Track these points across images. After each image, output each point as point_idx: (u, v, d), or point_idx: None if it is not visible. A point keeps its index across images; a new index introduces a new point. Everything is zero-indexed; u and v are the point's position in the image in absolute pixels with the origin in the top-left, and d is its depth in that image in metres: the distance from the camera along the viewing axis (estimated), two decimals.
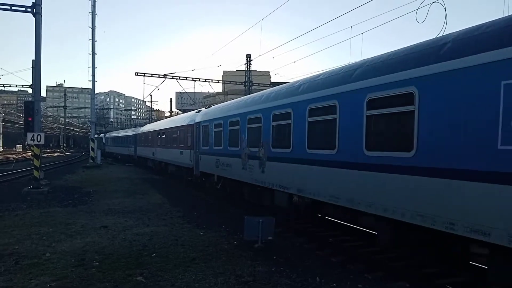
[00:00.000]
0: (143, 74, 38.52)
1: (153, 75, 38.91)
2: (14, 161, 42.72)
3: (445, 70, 6.03)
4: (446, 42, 6.25)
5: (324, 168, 8.98)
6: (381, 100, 7.22)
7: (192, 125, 20.22)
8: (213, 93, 70.87)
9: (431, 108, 6.21)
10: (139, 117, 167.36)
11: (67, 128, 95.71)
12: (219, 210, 14.45)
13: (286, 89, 11.25)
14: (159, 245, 9.22)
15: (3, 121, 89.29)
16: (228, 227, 11.23)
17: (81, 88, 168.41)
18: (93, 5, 37.85)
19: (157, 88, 69.19)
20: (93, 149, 38.73)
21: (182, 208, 14.46)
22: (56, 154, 70.84)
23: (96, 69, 38.61)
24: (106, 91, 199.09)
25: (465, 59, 5.73)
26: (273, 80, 65.84)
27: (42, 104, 26.57)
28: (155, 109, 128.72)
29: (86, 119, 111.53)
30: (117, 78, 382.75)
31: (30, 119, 18.59)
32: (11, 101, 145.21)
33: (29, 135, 18.27)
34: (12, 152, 77.70)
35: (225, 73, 77.26)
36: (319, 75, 9.97)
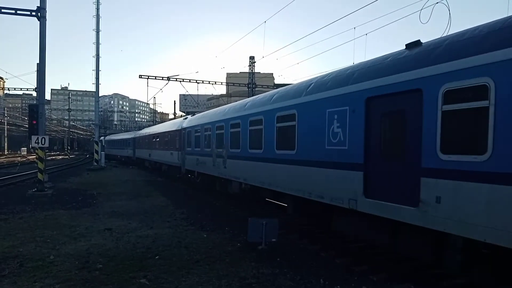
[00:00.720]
0: (147, 77, 38.63)
1: (156, 78, 39.02)
2: (19, 164, 42.90)
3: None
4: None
5: (256, 163, 12.56)
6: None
7: (179, 130, 23.55)
8: (216, 95, 70.99)
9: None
10: (143, 120, 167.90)
11: (72, 131, 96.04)
12: (223, 212, 14.44)
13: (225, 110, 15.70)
14: (163, 247, 9.22)
15: (8, 124, 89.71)
16: (232, 229, 11.22)
17: (85, 91, 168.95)
18: (97, 9, 38.12)
19: (160, 91, 69.54)
20: (97, 152, 38.86)
21: (186, 210, 14.47)
22: (60, 157, 71.11)
23: (100, 72, 38.86)
24: (110, 93, 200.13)
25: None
26: (276, 81, 65.82)
27: (46, 107, 26.73)
28: (159, 111, 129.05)
29: (90, 122, 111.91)
30: (121, 81, 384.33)
31: (34, 122, 18.70)
32: (16, 105, 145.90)
33: (34, 138, 18.37)
34: (17, 155, 78.03)
35: (229, 75, 77.35)
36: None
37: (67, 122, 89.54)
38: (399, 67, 7.10)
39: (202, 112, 21.05)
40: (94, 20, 38.32)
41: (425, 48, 6.77)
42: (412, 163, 6.56)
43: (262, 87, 45.14)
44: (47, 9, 19.13)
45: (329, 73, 9.90)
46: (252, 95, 34.06)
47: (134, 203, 16.38)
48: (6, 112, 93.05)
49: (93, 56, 38.80)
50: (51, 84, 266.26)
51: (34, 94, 55.41)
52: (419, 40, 7.14)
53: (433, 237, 6.44)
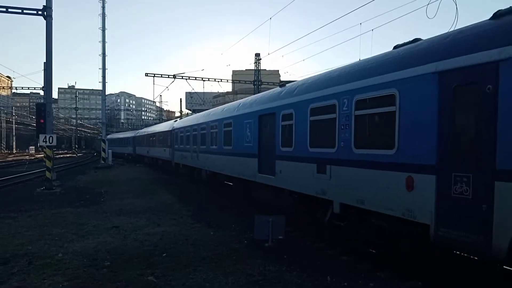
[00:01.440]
0: (153, 75, 38.75)
1: (162, 76, 39.13)
2: (27, 162, 43.27)
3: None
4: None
5: (214, 155, 17.68)
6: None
7: (170, 131, 28.64)
8: (222, 92, 71.05)
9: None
10: (150, 118, 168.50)
11: (79, 130, 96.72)
12: (229, 210, 14.47)
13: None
14: (170, 244, 9.27)
15: (16, 123, 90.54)
16: (238, 226, 11.25)
17: (92, 89, 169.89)
18: (103, 7, 38.26)
19: (167, 89, 69.90)
20: (104, 150, 39.07)
21: (192, 208, 14.52)
22: (68, 155, 71.61)
23: (106, 70, 39.05)
24: (117, 92, 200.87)
25: None
26: (282, 78, 65.79)
27: (53, 106, 27.01)
28: (165, 109, 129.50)
29: (97, 120, 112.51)
30: (127, 79, 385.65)
31: (42, 121, 18.84)
32: (24, 104, 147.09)
33: (41, 136, 18.51)
34: (25, 153, 78.71)
35: (235, 73, 77.39)
36: (242, 101, 16.08)
37: (74, 120, 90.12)
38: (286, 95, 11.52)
39: (197, 112, 26.07)
40: (100, 19, 38.52)
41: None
42: (273, 153, 11.68)
43: (268, 84, 45.09)
44: (53, 8, 19.25)
45: (241, 102, 15.86)
46: (258, 92, 34.07)
47: (141, 200, 16.47)
48: (14, 111, 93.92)
49: (99, 55, 39.06)
50: (58, 83, 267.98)
51: (42, 93, 55.80)
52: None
53: (279, 190, 11.58)
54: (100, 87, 40.29)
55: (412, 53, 7.00)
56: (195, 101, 63.71)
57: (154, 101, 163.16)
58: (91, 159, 58.11)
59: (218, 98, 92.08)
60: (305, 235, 10.51)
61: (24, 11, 19.35)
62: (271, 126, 11.93)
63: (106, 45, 38.98)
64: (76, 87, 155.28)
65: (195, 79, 39.65)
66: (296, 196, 10.58)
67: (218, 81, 41.22)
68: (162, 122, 50.96)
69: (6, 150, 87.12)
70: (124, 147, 55.89)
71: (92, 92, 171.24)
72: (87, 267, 7.62)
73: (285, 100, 11.25)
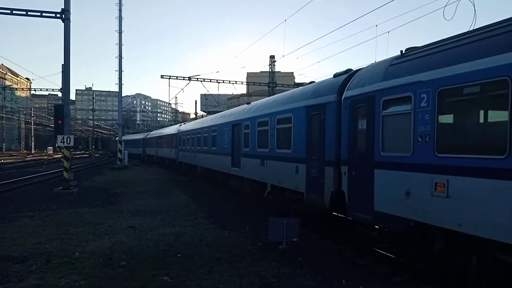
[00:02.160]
0: (169, 77, 39.03)
1: (178, 78, 39.37)
2: (46, 162, 44.01)
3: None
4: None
5: (205, 154, 22.31)
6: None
7: (176, 134, 33.35)
8: (237, 94, 71.21)
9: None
10: (165, 119, 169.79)
11: (96, 131, 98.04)
12: (244, 211, 14.47)
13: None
14: (185, 245, 9.31)
15: (34, 124, 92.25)
16: (253, 228, 11.24)
17: (109, 91, 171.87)
18: (120, 10, 38.70)
19: (182, 91, 70.20)
20: (120, 151, 39.49)
21: (207, 209, 14.57)
22: (85, 156, 72.64)
23: (123, 72, 39.50)
24: (133, 94, 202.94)
25: None
26: (297, 80, 65.61)
27: (71, 107, 27.48)
28: (180, 111, 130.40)
29: (114, 122, 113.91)
30: (143, 81, 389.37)
31: (60, 122, 19.14)
32: (42, 105, 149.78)
33: (59, 137, 18.80)
34: (43, 154, 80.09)
35: (249, 75, 77.37)
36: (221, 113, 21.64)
37: (91, 121, 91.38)
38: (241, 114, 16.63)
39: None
40: (117, 22, 39.00)
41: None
42: (239, 152, 15.97)
43: (282, 86, 45.00)
44: (71, 11, 19.57)
45: (223, 114, 21.12)
46: (273, 94, 34.05)
47: (157, 201, 16.59)
48: (32, 112, 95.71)
49: (116, 57, 39.48)
50: (75, 84, 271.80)
51: (60, 94, 56.63)
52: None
53: (242, 178, 16.20)
54: (116, 89, 40.82)
55: (298, 93, 12.09)
56: (210, 103, 64.01)
57: (169, 103, 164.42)
58: (108, 159, 58.84)
59: (233, 100, 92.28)
60: (320, 237, 10.44)
61: (43, 14, 19.70)
62: (238, 133, 16.67)
63: (123, 47, 39.47)
64: (93, 88, 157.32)
65: (210, 81, 39.79)
66: (251, 181, 15.20)
67: (233, 83, 41.32)
68: (170, 126, 54.51)
69: (25, 150, 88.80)
70: (135, 148, 60.60)
71: (108, 93, 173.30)
72: (103, 266, 7.70)
73: (246, 115, 15.90)
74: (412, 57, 7.41)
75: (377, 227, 8.30)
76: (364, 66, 9.39)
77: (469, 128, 6.38)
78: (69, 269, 7.49)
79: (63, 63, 19.92)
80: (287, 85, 47.33)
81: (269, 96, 20.23)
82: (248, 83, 50.15)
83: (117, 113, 45.37)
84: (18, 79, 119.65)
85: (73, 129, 70.46)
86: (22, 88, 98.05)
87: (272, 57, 45.09)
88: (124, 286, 6.68)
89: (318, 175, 9.95)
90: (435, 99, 6.48)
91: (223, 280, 7.00)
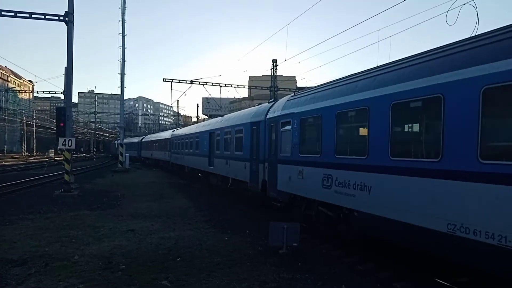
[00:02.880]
0: (171, 80, 39.06)
1: (180, 81, 39.40)
2: (47, 165, 44.03)
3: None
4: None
5: (191, 156, 27.22)
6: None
7: (169, 138, 37.98)
8: (239, 98, 71.24)
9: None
10: (167, 122, 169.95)
11: (97, 133, 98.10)
12: (245, 216, 14.43)
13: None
14: (184, 249, 9.27)
15: (36, 126, 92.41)
16: (253, 232, 11.20)
17: (111, 94, 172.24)
18: (123, 13, 38.83)
19: (184, 94, 70.19)
20: (121, 154, 39.50)
21: (207, 213, 14.53)
22: (87, 158, 72.67)
23: (125, 75, 39.54)
24: (135, 97, 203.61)
25: None
26: (299, 85, 65.58)
27: (73, 110, 27.58)
28: (182, 114, 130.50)
29: (116, 125, 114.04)
30: (145, 85, 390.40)
31: (62, 124, 19.13)
32: (44, 107, 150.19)
33: (61, 140, 18.80)
34: (45, 156, 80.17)
35: (251, 78, 77.54)
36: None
37: (93, 124, 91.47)
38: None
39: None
40: (120, 25, 39.11)
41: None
42: (214, 154, 21.28)
43: (284, 90, 45.02)
44: (74, 14, 19.62)
45: (204, 123, 27.03)
46: (275, 98, 34.10)
47: (157, 204, 16.57)
48: (35, 114, 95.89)
49: (118, 60, 39.55)
50: (78, 87, 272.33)
51: (62, 97, 56.81)
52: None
53: (215, 175, 21.49)
54: (119, 92, 40.85)
55: (248, 112, 17.07)
56: (211, 106, 63.99)
57: (171, 106, 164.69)
58: (109, 162, 58.89)
59: (235, 104, 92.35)
60: (321, 242, 10.40)
61: (47, 17, 19.75)
62: (213, 139, 21.86)
63: (126, 50, 39.55)
64: (96, 91, 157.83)
65: (212, 85, 39.80)
66: (221, 176, 20.13)
67: (235, 87, 41.33)
68: (164, 131, 59.63)
69: (26, 152, 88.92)
70: (131, 150, 62.76)
71: (111, 96, 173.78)
72: (102, 270, 7.67)
73: (217, 126, 21.36)
74: (294, 98, 12.43)
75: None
76: (280, 99, 14.40)
77: (309, 138, 11.16)
78: (68, 273, 7.46)
79: (66, 66, 19.95)
80: (289, 89, 47.33)
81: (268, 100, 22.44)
82: (250, 87, 50.18)
83: (119, 116, 45.37)
84: (21, 81, 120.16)
85: (74, 131, 70.56)
86: (25, 91, 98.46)
87: (274, 61, 45.14)
88: None
89: (255, 170, 14.87)
90: (299, 124, 11.34)
91: (223, 284, 6.97)
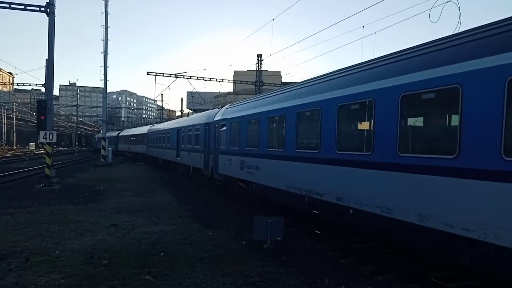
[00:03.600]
0: (155, 74, 38.70)
1: (164, 75, 39.07)
2: (27, 158, 43.22)
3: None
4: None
5: (164, 150, 31.62)
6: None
7: (146, 133, 41.28)
8: (223, 92, 70.98)
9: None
10: (150, 117, 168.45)
11: (79, 127, 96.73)
12: (228, 210, 14.44)
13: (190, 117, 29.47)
14: (168, 244, 9.23)
15: (16, 119, 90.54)
16: (237, 227, 11.21)
17: (93, 87, 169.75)
18: (106, 5, 38.16)
19: (168, 88, 69.88)
20: (104, 148, 39.01)
21: (191, 207, 14.48)
22: (68, 152, 71.56)
23: (108, 68, 38.97)
24: (118, 90, 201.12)
25: None
26: (284, 80, 65.67)
27: (54, 102, 27.19)
28: (166, 108, 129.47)
29: (98, 118, 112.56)
30: (129, 78, 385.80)
31: (42, 117, 18.79)
32: (25, 100, 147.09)
33: (42, 133, 18.47)
34: (25, 150, 78.67)
35: (236, 73, 77.34)
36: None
37: (75, 118, 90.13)
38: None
39: (152, 125, 42.80)
40: (102, 17, 38.46)
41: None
42: (180, 147, 26.18)
43: (269, 85, 45.07)
44: (56, 5, 19.23)
45: (174, 121, 33.24)
46: (260, 92, 34.13)
47: (140, 199, 16.43)
48: (15, 107, 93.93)
49: (101, 53, 38.90)
50: (59, 80, 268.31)
51: (43, 89, 55.80)
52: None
53: (181, 164, 26.39)
54: (101, 85, 40.31)
55: (204, 114, 22.26)
56: (196, 100, 63.65)
57: (155, 100, 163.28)
58: (91, 156, 58.10)
59: (219, 98, 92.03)
60: (304, 237, 10.48)
61: (27, 7, 19.31)
62: (180, 135, 26.27)
63: (108, 43, 38.95)
64: (78, 84, 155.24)
65: (197, 79, 39.59)
66: (185, 165, 24.68)
67: (220, 81, 41.18)
68: (140, 127, 61.30)
69: (6, 146, 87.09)
70: (109, 144, 63.18)
71: (93, 89, 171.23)
72: (84, 264, 7.58)
73: (182, 124, 26.29)
74: (230, 107, 17.12)
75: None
76: (225, 106, 18.99)
77: (233, 136, 15.46)
78: (49, 268, 7.36)
79: (47, 57, 19.57)
80: (274, 84, 47.42)
81: (254, 95, 25.55)
82: (235, 82, 50.00)
83: (101, 109, 44.80)
84: (0, 73, 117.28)
85: (56, 125, 69.39)
86: (5, 83, 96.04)
87: (259, 55, 45.14)
88: (106, 285, 6.58)
89: (207, 159, 19.54)
90: (229, 126, 15.93)
91: (207, 279, 6.96)
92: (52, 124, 19.81)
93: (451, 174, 5.82)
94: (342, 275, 7.45)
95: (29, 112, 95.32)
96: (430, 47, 6.78)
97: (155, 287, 6.58)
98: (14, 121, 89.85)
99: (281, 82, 58.36)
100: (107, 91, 41.39)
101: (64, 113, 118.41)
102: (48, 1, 19.02)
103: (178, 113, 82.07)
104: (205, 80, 39.84)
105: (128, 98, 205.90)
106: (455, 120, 6.10)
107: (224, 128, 16.64)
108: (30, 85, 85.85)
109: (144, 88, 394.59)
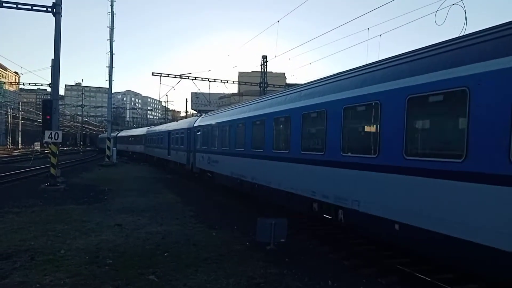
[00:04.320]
0: (160, 74, 38.76)
1: (169, 75, 39.13)
2: (32, 158, 43.45)
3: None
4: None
5: (158, 149, 36.94)
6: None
7: (144, 135, 46.12)
8: (228, 94, 71.00)
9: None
10: (155, 117, 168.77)
11: (84, 127, 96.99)
12: (232, 211, 14.47)
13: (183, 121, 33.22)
14: (172, 244, 9.26)
15: (22, 118, 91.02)
16: (241, 228, 11.23)
17: (99, 87, 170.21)
18: (112, 6, 38.32)
19: (173, 88, 70.07)
20: (109, 148, 39.14)
21: (195, 208, 14.51)
22: (73, 151, 71.82)
23: (113, 68, 39.09)
24: (123, 90, 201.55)
25: None
26: (288, 81, 65.63)
27: (60, 102, 27.30)
28: (170, 109, 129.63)
29: (103, 118, 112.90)
30: (134, 78, 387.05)
31: (48, 117, 18.90)
32: (31, 99, 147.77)
33: (47, 133, 18.57)
34: (31, 149, 79.06)
35: (241, 74, 77.28)
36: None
37: (80, 117, 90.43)
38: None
39: (149, 127, 46.89)
40: (108, 17, 38.63)
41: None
42: (170, 147, 31.24)
43: (274, 87, 45.04)
44: (62, 6, 19.34)
45: (166, 125, 39.17)
46: (264, 94, 34.10)
47: (144, 199, 16.49)
48: (20, 106, 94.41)
49: (107, 53, 39.01)
50: (65, 80, 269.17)
51: (49, 89, 56.04)
52: None
53: (171, 161, 31.42)
54: (106, 85, 40.41)
55: (188, 120, 28.79)
56: (200, 101, 63.77)
57: (160, 101, 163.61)
58: (96, 156, 58.33)
59: (224, 99, 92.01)
60: (307, 238, 10.48)
61: (34, 7, 19.43)
62: (170, 137, 30.85)
63: (114, 43, 39.09)
64: (83, 84, 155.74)
65: (202, 80, 39.61)
66: (174, 162, 29.13)
67: (224, 82, 41.21)
68: (138, 128, 66.55)
69: (11, 145, 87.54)
70: (104, 143, 65.12)
71: (98, 90, 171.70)
72: (88, 264, 7.63)
73: (172, 127, 31.33)
74: (205, 116, 22.68)
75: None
76: (203, 115, 24.27)
77: (204, 139, 20.92)
78: (54, 267, 7.41)
79: (53, 57, 19.68)
80: (279, 85, 47.38)
81: (258, 96, 26.55)
82: (239, 83, 50.02)
83: (106, 109, 44.98)
84: (7, 72, 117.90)
85: (61, 124, 69.70)
86: (10, 82, 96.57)
87: (264, 57, 45.12)
88: (110, 284, 6.62)
89: (189, 157, 24.29)
90: (202, 131, 21.34)
91: (210, 279, 6.99)
92: (58, 124, 19.93)
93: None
94: (345, 276, 7.46)
95: (35, 111, 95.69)
96: (436, 49, 6.75)
97: (159, 287, 6.62)
98: (20, 121, 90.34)
99: (286, 83, 58.36)
100: (112, 91, 41.51)
101: (69, 113, 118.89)
102: (54, 1, 19.15)
103: (183, 114, 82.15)
104: (210, 81, 39.89)
105: (133, 99, 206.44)
106: (462, 123, 6.03)
107: (199, 132, 22.14)
108: (36, 85, 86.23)
109: (149, 88, 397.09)
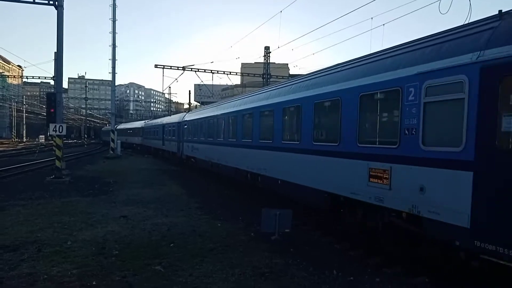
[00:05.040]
0: (163, 66, 38.70)
1: (172, 67, 39.06)
2: (37, 151, 43.65)
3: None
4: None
5: (155, 140, 41.29)
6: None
7: (142, 127, 50.33)
8: (231, 85, 70.82)
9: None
10: (158, 109, 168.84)
11: (88, 120, 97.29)
12: (237, 202, 14.51)
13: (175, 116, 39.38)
14: (178, 235, 9.33)
15: (26, 112, 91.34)
16: (245, 219, 11.28)
17: (102, 80, 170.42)
18: None
19: (176, 80, 69.65)
20: (113, 140, 39.25)
21: (200, 199, 14.58)
22: (78, 144, 72.12)
23: (116, 61, 39.02)
24: (126, 83, 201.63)
25: None
26: (291, 72, 65.37)
27: (64, 95, 27.32)
28: (174, 101, 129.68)
29: (107, 111, 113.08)
30: (137, 70, 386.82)
31: (52, 110, 18.95)
32: (34, 93, 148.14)
33: (51, 126, 18.63)
34: (35, 142, 79.42)
35: (244, 65, 76.97)
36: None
37: (84, 110, 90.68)
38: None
39: (146, 120, 51.70)
40: (111, 10, 38.48)
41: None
42: (164, 138, 35.73)
43: (277, 78, 44.88)
44: None
45: (160, 119, 43.84)
46: (267, 85, 34.00)
47: (149, 191, 16.57)
48: (24, 100, 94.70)
49: (109, 46, 38.87)
50: (68, 73, 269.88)
51: (52, 82, 56.13)
52: None
53: (165, 151, 35.93)
54: (109, 78, 40.39)
55: (177, 116, 34.27)
56: (203, 93, 63.58)
57: (163, 93, 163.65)
58: (100, 148, 58.55)
59: (227, 91, 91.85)
60: (312, 229, 10.51)
61: (36, 1, 19.38)
62: (164, 129, 35.24)
63: (117, 36, 38.99)
64: (86, 77, 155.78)
65: (204, 72, 39.51)
66: (168, 151, 33.74)
67: (227, 74, 41.07)
68: (137, 121, 70.46)
69: (16, 138, 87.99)
70: (108, 136, 64.34)
71: (102, 82, 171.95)
72: (95, 255, 7.70)
73: (165, 121, 36.11)
74: (190, 113, 28.41)
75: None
76: (190, 111, 33.58)
77: (188, 131, 26.20)
78: (61, 258, 7.48)
79: (56, 51, 19.68)
80: (282, 76, 47.21)
81: (262, 87, 25.54)
82: (242, 74, 49.84)
83: (110, 102, 45.07)
84: (10, 66, 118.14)
85: (65, 117, 69.82)
86: (14, 76, 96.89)
87: (267, 48, 44.85)
88: (117, 275, 6.68)
89: (179, 146, 28.55)
90: (188, 125, 26.18)
91: (216, 269, 7.04)
92: (62, 117, 19.96)
93: None
94: (350, 266, 7.49)
95: (39, 105, 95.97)
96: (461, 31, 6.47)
97: (166, 277, 6.68)
98: (24, 114, 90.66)
99: (289, 74, 58.06)
100: (116, 84, 41.49)
101: (73, 106, 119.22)
102: None
103: (186, 106, 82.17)
104: (213, 73, 39.79)
105: (136, 91, 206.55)
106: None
107: (186, 126, 26.64)
108: (39, 78, 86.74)
109: (152, 80, 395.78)
